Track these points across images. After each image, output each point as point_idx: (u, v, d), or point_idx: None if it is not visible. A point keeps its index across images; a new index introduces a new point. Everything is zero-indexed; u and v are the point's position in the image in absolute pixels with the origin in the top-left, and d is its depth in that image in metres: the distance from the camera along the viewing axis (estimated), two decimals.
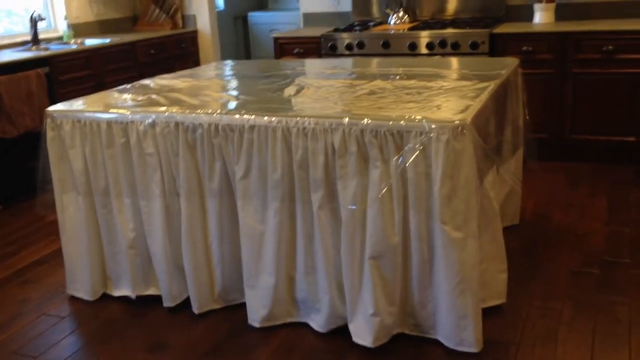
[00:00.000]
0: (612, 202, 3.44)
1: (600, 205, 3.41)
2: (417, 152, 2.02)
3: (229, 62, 3.64)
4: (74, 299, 2.73)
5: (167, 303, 2.58)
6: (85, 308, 2.66)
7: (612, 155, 4.02)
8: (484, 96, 2.29)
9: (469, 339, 2.15)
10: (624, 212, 3.30)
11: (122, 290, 2.69)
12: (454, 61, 3.28)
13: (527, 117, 3.02)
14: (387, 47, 4.28)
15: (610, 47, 3.83)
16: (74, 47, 4.55)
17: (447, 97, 2.32)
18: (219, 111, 2.32)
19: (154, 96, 2.67)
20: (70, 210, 2.63)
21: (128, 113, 2.44)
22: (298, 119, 2.17)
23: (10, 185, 3.98)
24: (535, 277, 2.69)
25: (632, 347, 2.19)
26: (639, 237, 3.01)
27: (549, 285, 2.62)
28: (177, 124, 2.35)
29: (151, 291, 2.65)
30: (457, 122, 1.98)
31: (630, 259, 2.80)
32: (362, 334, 2.24)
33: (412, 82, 2.64)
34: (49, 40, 4.81)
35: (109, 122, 2.46)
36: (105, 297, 2.72)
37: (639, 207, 3.35)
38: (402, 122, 2.04)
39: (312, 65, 3.41)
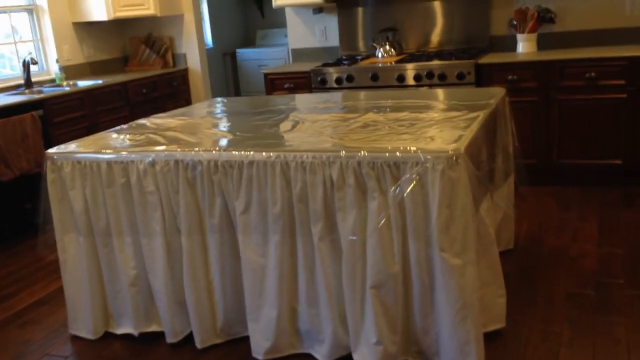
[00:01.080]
0: (603, 224, 3.51)
1: (591, 228, 3.48)
2: (414, 182, 2.07)
3: (222, 100, 3.71)
4: (76, 339, 2.73)
5: (169, 339, 2.59)
6: (88, 347, 2.66)
7: (600, 178, 4.11)
8: (475, 126, 2.36)
9: None
10: (614, 234, 3.37)
11: (125, 328, 2.69)
12: (443, 92, 3.37)
13: (517, 144, 3.10)
14: (375, 80, 4.38)
15: (592, 74, 3.95)
16: (67, 89, 4.62)
17: (440, 127, 2.39)
18: (217, 148, 2.37)
19: (151, 135, 2.72)
20: (71, 250, 2.66)
21: (128, 153, 2.48)
22: (296, 153, 2.23)
23: (6, 227, 3.98)
24: (533, 301, 2.73)
25: None
26: (631, 258, 3.07)
27: (547, 308, 2.67)
28: (176, 162, 2.40)
29: (153, 328, 2.66)
30: (451, 152, 2.05)
31: (624, 280, 2.85)
32: None
33: (404, 114, 2.72)
34: (41, 83, 4.87)
35: (109, 163, 2.50)
36: (108, 336, 2.73)
37: (629, 229, 3.42)
38: (398, 154, 2.10)
39: (305, 100, 3.49)
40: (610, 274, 2.93)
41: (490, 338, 2.39)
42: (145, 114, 3.83)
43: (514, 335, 2.48)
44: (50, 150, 2.64)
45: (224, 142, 2.51)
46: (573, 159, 4.12)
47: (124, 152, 2.50)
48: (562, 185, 4.17)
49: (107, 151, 2.53)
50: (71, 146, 2.68)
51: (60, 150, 2.63)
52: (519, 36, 4.41)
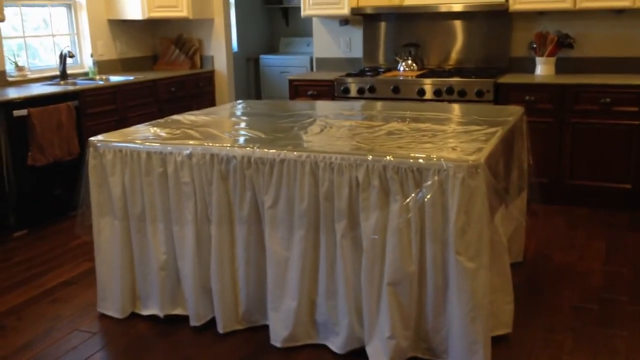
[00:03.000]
0: (610, 245, 3.64)
1: (599, 247, 3.61)
2: (435, 188, 2.23)
3: (251, 102, 3.88)
4: (103, 317, 2.89)
5: (193, 322, 2.74)
6: (115, 325, 2.82)
7: (609, 200, 4.25)
8: (495, 140, 2.52)
9: None
10: (620, 254, 3.50)
11: (151, 309, 2.85)
12: (463, 107, 3.53)
13: (531, 162, 3.24)
14: (397, 92, 4.54)
15: (607, 100, 4.09)
16: (101, 83, 4.81)
17: (461, 139, 2.54)
18: (252, 145, 2.54)
19: (187, 130, 2.89)
20: (106, 233, 2.82)
21: (167, 145, 2.65)
22: (325, 154, 2.39)
23: (36, 211, 4.16)
24: (538, 310, 2.87)
25: None
26: (635, 276, 3.20)
27: (552, 318, 2.80)
28: (212, 156, 2.57)
29: (178, 311, 2.82)
30: (472, 162, 2.20)
31: (627, 297, 2.98)
32: (379, 356, 2.40)
33: (426, 125, 2.88)
34: (75, 76, 5.06)
35: (149, 153, 2.67)
36: (134, 316, 2.88)
37: (635, 250, 3.55)
38: (421, 161, 2.25)
39: (330, 106, 3.65)
40: (614, 290, 3.06)
41: (497, 342, 2.51)
42: (172, 112, 4.00)
43: (519, 341, 2.61)
44: (94, 138, 2.81)
45: (256, 140, 2.67)
46: (584, 181, 4.26)
47: (163, 144, 2.66)
48: (572, 204, 4.30)
49: (148, 142, 2.70)
50: (113, 135, 2.86)
51: (104, 139, 2.80)
52: (538, 59, 4.57)
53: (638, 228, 3.91)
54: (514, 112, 3.12)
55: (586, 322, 2.76)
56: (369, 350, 2.44)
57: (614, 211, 4.18)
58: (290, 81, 5.03)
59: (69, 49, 5.03)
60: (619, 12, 4.40)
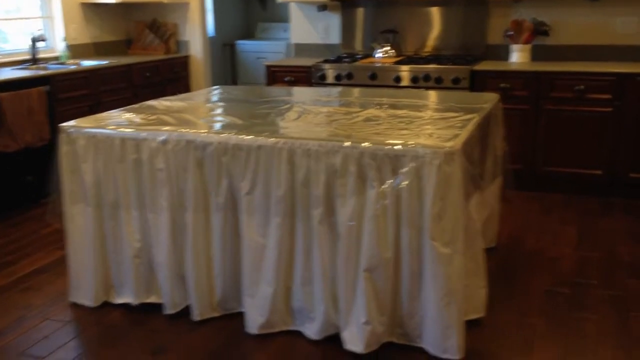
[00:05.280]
0: (581, 230, 3.70)
1: (571, 233, 3.67)
2: (412, 174, 2.23)
3: (227, 87, 3.84)
4: (75, 306, 2.85)
5: (168, 310, 2.73)
6: (88, 314, 2.79)
7: (581, 186, 4.31)
8: (470, 126, 2.53)
9: (452, 347, 2.34)
10: (592, 239, 3.56)
11: (124, 297, 2.82)
12: (440, 94, 3.54)
13: (506, 149, 3.27)
14: (374, 79, 4.53)
15: (581, 87, 4.14)
16: (73, 67, 4.72)
17: (437, 126, 2.55)
18: (228, 131, 2.51)
19: (162, 116, 2.85)
20: (78, 221, 2.78)
21: (141, 131, 2.61)
22: (302, 141, 2.38)
23: (6, 198, 4.08)
24: (511, 295, 2.91)
25: (600, 359, 2.41)
26: (605, 261, 3.26)
27: (524, 302, 2.84)
28: (188, 142, 2.54)
29: (152, 299, 2.80)
30: (448, 148, 2.21)
31: (597, 281, 3.04)
32: (354, 342, 2.42)
33: (403, 111, 2.88)
34: (46, 60, 4.96)
35: (123, 139, 2.63)
36: (107, 305, 2.85)
37: (606, 235, 3.62)
38: (398, 147, 2.26)
39: (307, 93, 3.63)
40: (585, 275, 3.11)
41: (470, 326, 2.54)
42: (147, 97, 3.94)
43: (492, 324, 2.65)
44: (66, 124, 2.76)
45: (233, 126, 2.65)
46: (557, 167, 4.31)
47: (137, 130, 2.63)
48: (546, 191, 4.36)
49: (122, 128, 2.66)
50: (86, 121, 2.81)
51: (76, 124, 2.75)
52: (514, 46, 4.59)
53: (608, 213, 3.98)
54: (489, 99, 3.13)
55: (557, 306, 2.80)
56: (345, 336, 2.45)
57: (586, 197, 4.25)
58: (267, 67, 4.99)
59: (41, 32, 4.92)
60: (594, 0, 4.44)
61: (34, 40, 4.75)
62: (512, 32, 4.59)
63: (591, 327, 2.62)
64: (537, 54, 4.60)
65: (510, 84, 4.29)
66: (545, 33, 4.56)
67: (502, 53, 4.71)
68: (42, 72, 4.41)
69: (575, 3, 4.52)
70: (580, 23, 4.56)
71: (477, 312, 2.64)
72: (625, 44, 4.46)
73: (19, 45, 4.99)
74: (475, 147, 2.60)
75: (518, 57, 4.58)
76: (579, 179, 4.29)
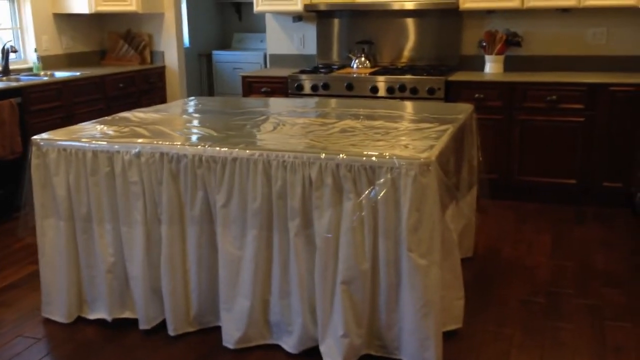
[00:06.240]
0: (556, 239, 3.74)
1: (545, 241, 3.70)
2: (388, 185, 2.23)
3: (203, 98, 3.82)
4: (48, 322, 2.79)
5: (143, 326, 2.68)
6: (61, 330, 2.73)
7: (555, 196, 4.36)
8: (445, 137, 2.54)
9: (431, 359, 2.33)
10: (566, 248, 3.60)
11: (98, 313, 2.77)
12: (415, 105, 3.55)
13: (481, 159, 3.29)
14: (350, 89, 4.55)
15: (553, 97, 4.20)
16: (45, 78, 4.65)
17: (412, 137, 2.56)
18: (203, 144, 2.49)
19: (136, 128, 2.82)
20: (50, 235, 2.72)
21: (114, 143, 2.58)
22: (278, 153, 2.36)
23: None
24: (488, 305, 2.92)
25: None
26: (580, 270, 3.30)
27: (501, 312, 2.86)
28: (162, 155, 2.51)
29: (127, 314, 2.75)
30: (423, 159, 2.21)
31: (572, 290, 3.07)
32: (332, 354, 2.40)
33: (379, 122, 2.88)
34: (18, 72, 4.88)
35: (95, 151, 2.59)
36: (80, 320, 2.79)
37: (580, 244, 3.66)
38: (374, 158, 2.26)
39: (283, 104, 3.62)
40: (560, 284, 3.14)
41: (448, 337, 2.55)
42: (121, 109, 3.88)
43: (470, 335, 2.65)
44: (37, 137, 2.70)
45: (208, 138, 2.62)
46: (532, 177, 4.36)
47: (110, 142, 2.59)
48: (521, 200, 4.40)
49: (94, 140, 2.62)
50: (57, 133, 2.76)
51: (47, 137, 2.70)
52: (488, 57, 4.65)
53: (582, 222, 4.03)
54: (464, 110, 3.16)
55: (533, 316, 2.82)
56: (323, 349, 2.43)
57: (560, 206, 4.30)
58: (244, 78, 4.98)
59: (12, 43, 4.84)
60: (565, 11, 4.51)
61: (5, 51, 4.67)
62: (485, 43, 4.65)
63: (567, 336, 2.64)
64: (510, 64, 4.66)
65: (484, 95, 4.34)
66: (518, 44, 4.62)
67: (476, 64, 4.76)
68: (13, 84, 4.33)
69: (547, 14, 4.59)
70: (551, 34, 4.63)
71: (455, 323, 2.64)
72: (596, 55, 4.54)
73: None
74: (451, 158, 2.61)
75: (491, 67, 4.63)
76: (554, 188, 4.34)
